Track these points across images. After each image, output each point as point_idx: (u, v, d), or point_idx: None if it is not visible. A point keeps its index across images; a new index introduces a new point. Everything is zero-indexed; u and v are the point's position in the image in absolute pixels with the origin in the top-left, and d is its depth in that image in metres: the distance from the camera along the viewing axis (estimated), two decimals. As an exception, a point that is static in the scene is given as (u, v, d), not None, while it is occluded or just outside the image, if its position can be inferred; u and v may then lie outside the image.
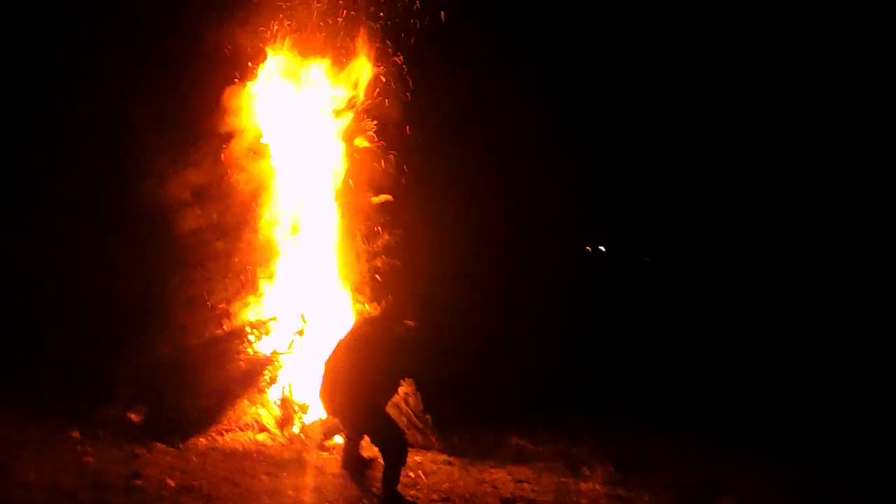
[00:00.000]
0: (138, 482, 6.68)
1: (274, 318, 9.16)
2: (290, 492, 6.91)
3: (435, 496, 7.15)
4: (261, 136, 9.49)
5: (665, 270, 17.48)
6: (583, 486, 7.71)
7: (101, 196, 10.47)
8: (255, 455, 7.90)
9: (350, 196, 9.64)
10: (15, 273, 9.75)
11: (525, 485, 7.61)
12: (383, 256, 9.81)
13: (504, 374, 11.14)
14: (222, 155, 9.34)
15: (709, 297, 15.68)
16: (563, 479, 7.82)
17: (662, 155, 16.51)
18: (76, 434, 7.76)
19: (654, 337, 13.74)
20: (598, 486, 7.70)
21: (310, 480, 7.24)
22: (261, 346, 9.04)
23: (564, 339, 12.89)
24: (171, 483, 6.75)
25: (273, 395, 8.77)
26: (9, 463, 6.71)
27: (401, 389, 8.26)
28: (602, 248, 18.96)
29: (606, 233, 18.58)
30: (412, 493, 7.16)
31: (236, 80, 9.49)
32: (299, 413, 8.61)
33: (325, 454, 8.07)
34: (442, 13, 9.68)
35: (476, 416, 9.55)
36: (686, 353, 13.17)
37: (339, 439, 8.27)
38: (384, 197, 9.86)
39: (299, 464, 7.68)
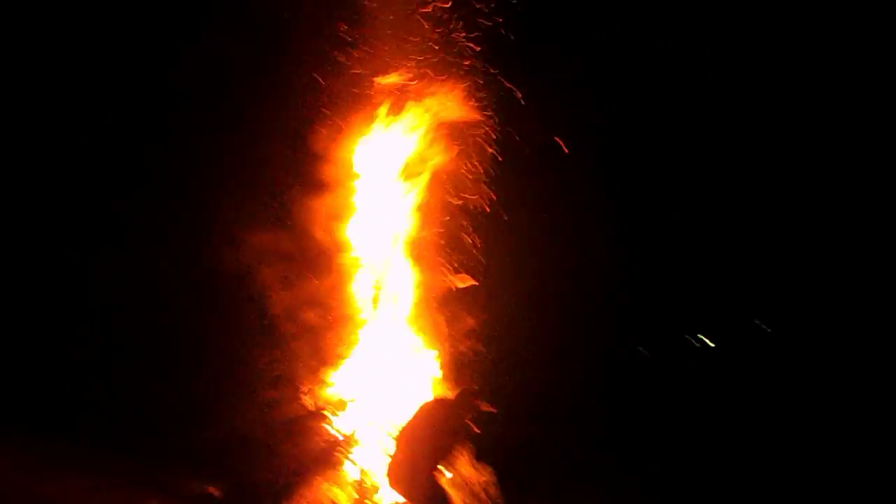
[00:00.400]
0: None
1: (352, 400, 9.20)
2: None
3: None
4: (354, 193, 9.56)
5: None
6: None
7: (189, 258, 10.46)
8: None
9: (432, 273, 9.69)
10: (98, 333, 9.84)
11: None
12: (466, 341, 9.78)
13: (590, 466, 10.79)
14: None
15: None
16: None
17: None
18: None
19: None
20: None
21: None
22: (339, 425, 9.08)
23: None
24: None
25: (349, 475, 8.75)
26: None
27: (481, 478, 8.14)
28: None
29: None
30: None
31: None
32: (373, 494, 8.54)
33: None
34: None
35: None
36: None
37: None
38: (469, 282, 9.89)
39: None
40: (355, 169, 9.57)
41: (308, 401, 9.32)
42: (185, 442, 8.68)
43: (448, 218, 9.87)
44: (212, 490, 8.51)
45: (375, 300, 9.64)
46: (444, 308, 9.82)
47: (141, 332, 9.52)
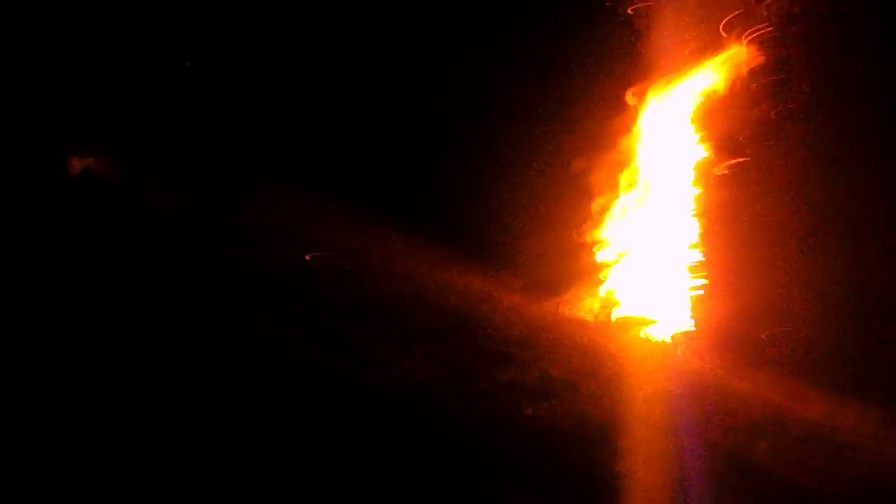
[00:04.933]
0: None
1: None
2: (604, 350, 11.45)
3: None
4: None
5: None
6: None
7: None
8: (578, 323, 12.66)
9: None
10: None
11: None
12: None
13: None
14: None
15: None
16: None
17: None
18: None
19: None
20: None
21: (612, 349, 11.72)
22: (601, 255, 13.65)
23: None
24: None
25: (602, 289, 13.44)
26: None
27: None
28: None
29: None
30: None
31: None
32: (613, 307, 13.21)
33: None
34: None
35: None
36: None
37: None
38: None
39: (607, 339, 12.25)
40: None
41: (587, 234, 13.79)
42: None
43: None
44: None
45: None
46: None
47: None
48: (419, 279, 11.76)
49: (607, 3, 13.49)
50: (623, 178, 13.86)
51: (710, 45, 13.17)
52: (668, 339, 13.08)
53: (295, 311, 9.45)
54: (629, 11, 13.42)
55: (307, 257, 10.98)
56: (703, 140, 13.36)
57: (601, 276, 13.51)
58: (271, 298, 9.69)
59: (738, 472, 8.58)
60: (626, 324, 13.02)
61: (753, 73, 13.00)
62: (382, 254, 12.26)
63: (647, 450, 8.86)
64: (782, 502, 8.56)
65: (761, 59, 12.89)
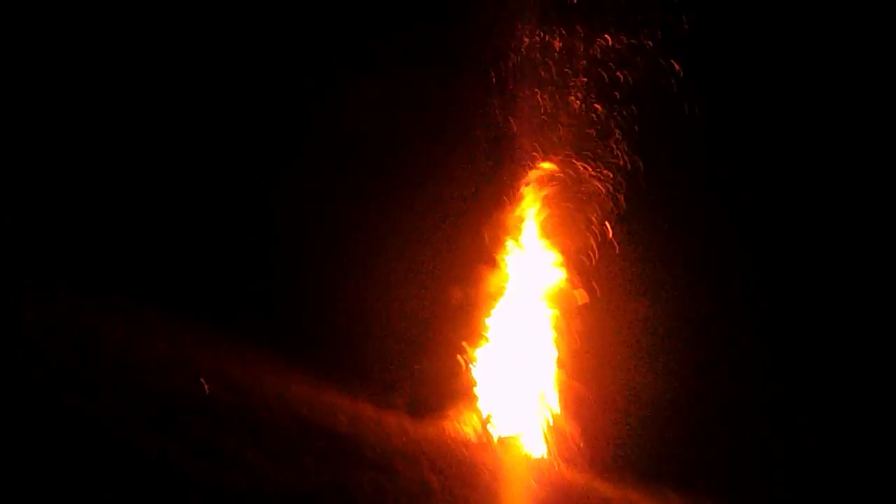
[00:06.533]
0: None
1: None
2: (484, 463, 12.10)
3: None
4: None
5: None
6: None
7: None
8: (461, 442, 13.35)
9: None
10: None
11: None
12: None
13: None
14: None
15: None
16: None
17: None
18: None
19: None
20: None
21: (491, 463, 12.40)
22: (482, 375, 14.55)
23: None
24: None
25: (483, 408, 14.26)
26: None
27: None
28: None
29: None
30: None
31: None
32: (494, 427, 14.01)
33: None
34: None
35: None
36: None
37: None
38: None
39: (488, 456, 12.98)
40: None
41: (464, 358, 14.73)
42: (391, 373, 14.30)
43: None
44: (399, 400, 14.15)
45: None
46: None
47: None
48: (307, 401, 12.33)
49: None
50: (498, 302, 15.01)
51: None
52: (545, 455, 13.95)
53: (185, 433, 9.83)
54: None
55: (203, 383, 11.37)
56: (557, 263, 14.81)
57: (482, 395, 14.36)
58: (160, 419, 10.00)
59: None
60: (506, 441, 13.81)
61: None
62: (273, 382, 12.82)
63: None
64: None
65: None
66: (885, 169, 16.05)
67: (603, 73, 15.13)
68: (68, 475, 8.32)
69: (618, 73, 15.11)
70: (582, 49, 15.12)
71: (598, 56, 15.17)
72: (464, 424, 14.01)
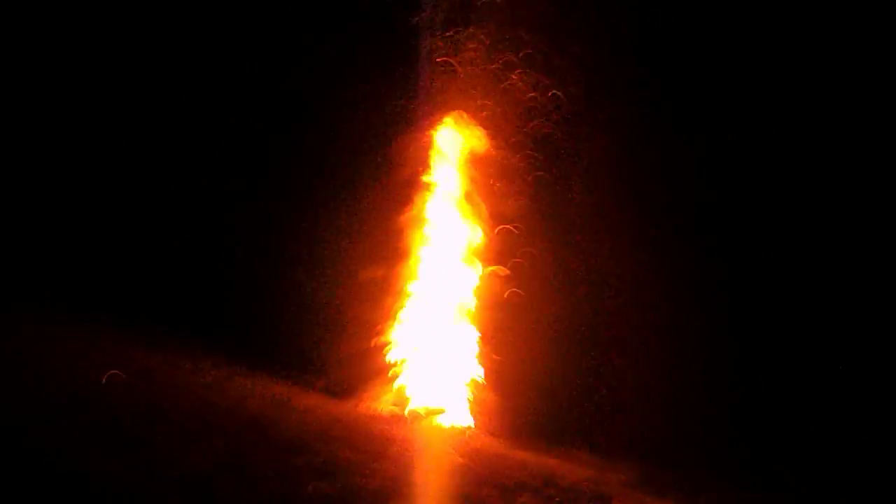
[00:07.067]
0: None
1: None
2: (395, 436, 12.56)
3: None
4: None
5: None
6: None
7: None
8: (372, 417, 13.76)
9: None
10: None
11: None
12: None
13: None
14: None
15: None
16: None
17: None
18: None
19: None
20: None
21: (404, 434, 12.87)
22: (394, 355, 14.96)
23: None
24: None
25: (395, 386, 14.68)
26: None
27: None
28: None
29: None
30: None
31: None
32: (406, 401, 14.46)
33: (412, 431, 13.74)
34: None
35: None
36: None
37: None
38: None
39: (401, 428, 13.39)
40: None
41: (377, 339, 15.08)
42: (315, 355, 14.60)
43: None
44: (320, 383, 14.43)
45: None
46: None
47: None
48: (220, 386, 12.60)
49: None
50: (409, 283, 15.42)
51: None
52: (464, 425, 14.48)
53: (93, 422, 10.04)
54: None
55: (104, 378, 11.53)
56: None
57: (394, 374, 14.78)
58: (65, 412, 10.17)
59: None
60: (417, 414, 14.27)
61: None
62: (186, 367, 13.05)
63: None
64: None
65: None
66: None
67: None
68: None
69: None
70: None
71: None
72: (379, 402, 14.41)
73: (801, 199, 16.22)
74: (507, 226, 15.49)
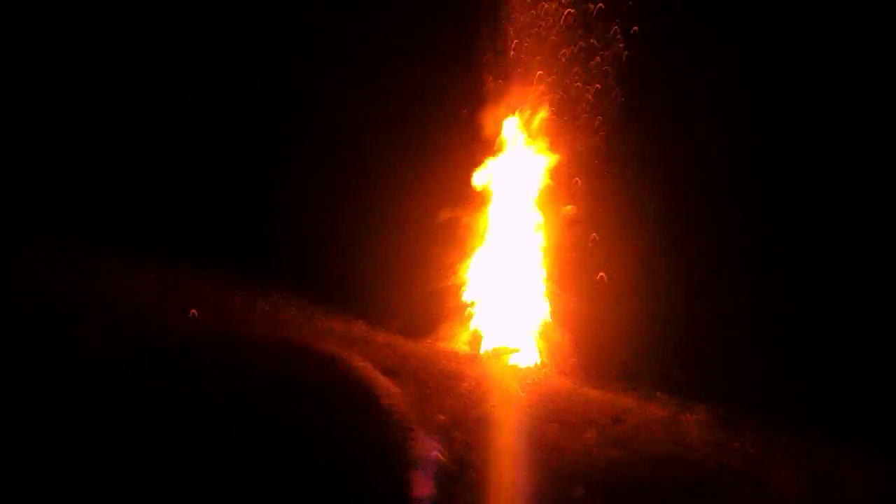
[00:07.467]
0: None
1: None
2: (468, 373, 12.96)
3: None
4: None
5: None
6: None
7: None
8: (446, 354, 14.14)
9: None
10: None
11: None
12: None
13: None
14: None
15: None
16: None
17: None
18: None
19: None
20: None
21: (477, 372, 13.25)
22: (469, 295, 15.27)
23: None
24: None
25: (471, 326, 15.02)
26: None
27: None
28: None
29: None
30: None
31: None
32: (482, 340, 14.79)
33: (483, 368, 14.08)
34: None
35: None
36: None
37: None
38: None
39: (475, 367, 13.76)
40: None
41: (453, 277, 15.40)
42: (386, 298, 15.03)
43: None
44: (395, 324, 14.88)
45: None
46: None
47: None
48: (298, 326, 13.17)
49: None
50: (483, 225, 15.63)
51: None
52: (532, 365, 14.73)
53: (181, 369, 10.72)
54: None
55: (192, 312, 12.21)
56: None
57: (469, 314, 15.11)
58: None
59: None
60: (494, 353, 14.59)
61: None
62: (264, 311, 13.67)
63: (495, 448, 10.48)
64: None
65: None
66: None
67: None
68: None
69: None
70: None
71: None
72: (453, 341, 14.80)
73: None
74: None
